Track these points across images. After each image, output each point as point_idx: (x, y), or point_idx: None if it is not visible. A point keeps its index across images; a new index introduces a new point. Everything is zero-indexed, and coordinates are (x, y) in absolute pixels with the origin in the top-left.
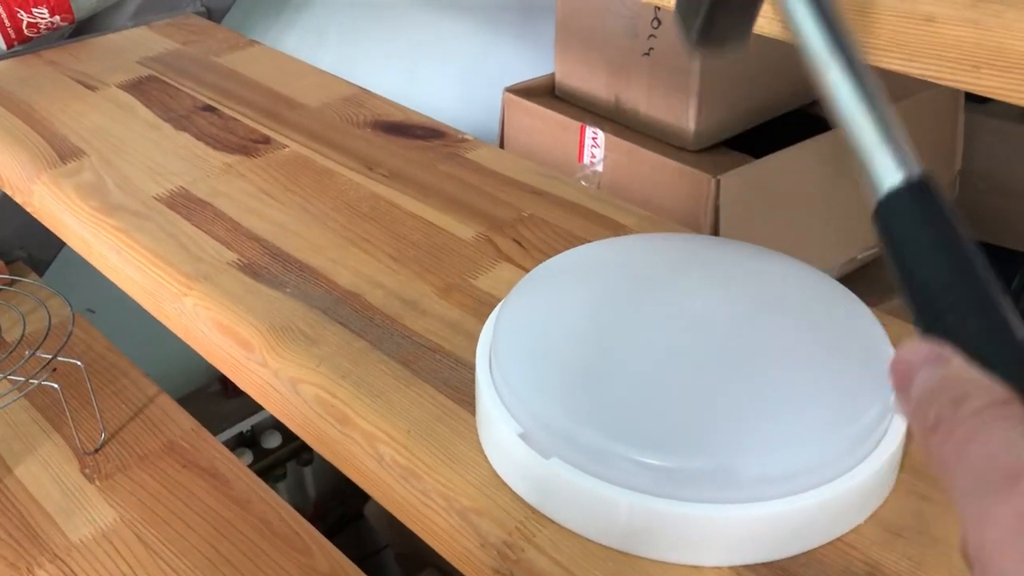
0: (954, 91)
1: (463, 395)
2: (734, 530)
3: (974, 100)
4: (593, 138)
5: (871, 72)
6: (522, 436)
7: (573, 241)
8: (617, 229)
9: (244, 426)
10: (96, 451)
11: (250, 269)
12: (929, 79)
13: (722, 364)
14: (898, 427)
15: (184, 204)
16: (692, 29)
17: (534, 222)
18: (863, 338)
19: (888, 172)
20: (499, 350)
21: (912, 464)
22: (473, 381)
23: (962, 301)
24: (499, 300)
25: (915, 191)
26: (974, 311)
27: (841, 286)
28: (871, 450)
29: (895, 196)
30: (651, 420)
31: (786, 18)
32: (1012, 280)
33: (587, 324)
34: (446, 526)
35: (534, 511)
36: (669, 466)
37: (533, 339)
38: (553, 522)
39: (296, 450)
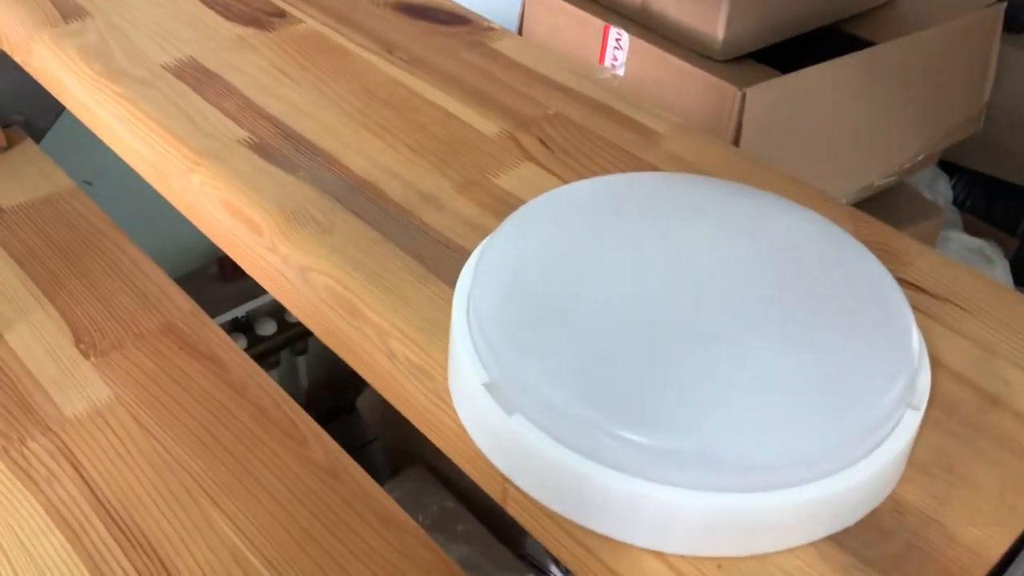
0: (992, 19)
1: None
2: (708, 517)
3: (1010, 30)
4: (617, 39)
5: None
6: (487, 387)
7: (600, 144)
8: (647, 135)
9: (240, 311)
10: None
11: (261, 149)
12: None
13: (722, 331)
14: (910, 420)
15: (193, 75)
16: None
17: (560, 121)
18: (884, 312)
19: None
20: (478, 287)
21: (941, 400)
22: None
23: None
24: (521, 201)
25: None
26: None
27: (866, 250)
28: (880, 442)
29: None
30: (633, 387)
31: None
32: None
33: (579, 270)
34: (457, 429)
35: None
36: (645, 442)
37: (516, 280)
38: None
39: (291, 339)
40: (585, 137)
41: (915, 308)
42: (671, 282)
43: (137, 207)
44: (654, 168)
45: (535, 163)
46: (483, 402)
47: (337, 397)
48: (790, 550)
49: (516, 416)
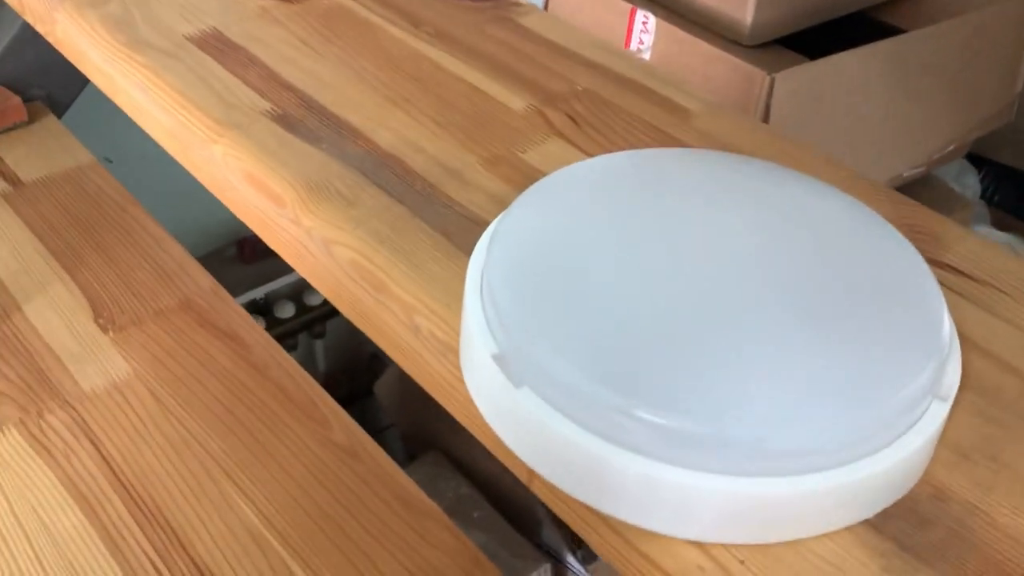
0: None
1: None
2: (721, 502)
3: None
4: (644, 22)
5: None
6: (496, 358)
7: (630, 120)
8: (678, 112)
9: (258, 294)
10: None
11: (285, 121)
12: None
13: (744, 311)
14: (937, 410)
15: (216, 46)
16: None
17: (589, 97)
18: (914, 298)
19: None
20: (492, 258)
21: (983, 386)
22: None
23: None
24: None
25: None
26: None
27: (899, 233)
28: (902, 433)
29: None
30: (648, 366)
31: None
32: None
33: (596, 245)
34: None
35: None
36: (660, 422)
37: (531, 252)
38: None
39: (309, 322)
40: (614, 113)
41: (955, 292)
42: (692, 260)
43: (157, 187)
44: (684, 146)
45: (563, 139)
46: (490, 374)
47: (354, 382)
48: (826, 535)
49: (523, 389)
